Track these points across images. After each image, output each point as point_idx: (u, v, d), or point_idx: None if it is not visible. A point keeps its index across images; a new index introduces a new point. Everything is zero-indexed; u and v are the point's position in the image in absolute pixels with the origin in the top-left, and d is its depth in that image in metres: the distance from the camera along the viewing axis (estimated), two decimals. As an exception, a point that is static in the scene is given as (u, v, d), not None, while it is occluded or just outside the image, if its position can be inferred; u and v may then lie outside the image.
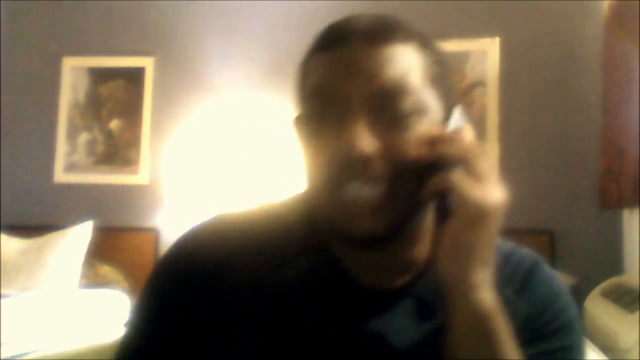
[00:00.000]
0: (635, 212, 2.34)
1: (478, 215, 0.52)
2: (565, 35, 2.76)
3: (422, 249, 0.60)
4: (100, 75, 3.16)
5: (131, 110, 3.12)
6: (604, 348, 1.76)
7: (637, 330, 1.59)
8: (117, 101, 3.14)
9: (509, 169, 2.74)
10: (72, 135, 3.15)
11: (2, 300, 2.13)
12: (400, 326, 0.58)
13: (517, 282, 0.60)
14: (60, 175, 3.13)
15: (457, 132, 0.56)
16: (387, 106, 0.53)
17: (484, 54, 2.81)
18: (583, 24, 2.73)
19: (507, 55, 2.79)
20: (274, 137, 2.77)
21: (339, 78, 0.54)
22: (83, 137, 3.15)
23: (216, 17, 3.06)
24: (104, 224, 2.88)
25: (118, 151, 3.11)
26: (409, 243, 0.59)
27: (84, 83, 3.17)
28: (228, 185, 2.72)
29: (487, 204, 0.52)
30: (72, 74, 3.18)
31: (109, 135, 3.13)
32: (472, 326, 0.51)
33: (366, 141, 0.52)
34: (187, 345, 0.59)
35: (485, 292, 0.52)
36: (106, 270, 2.80)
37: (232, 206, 0.70)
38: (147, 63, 3.11)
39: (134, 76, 3.12)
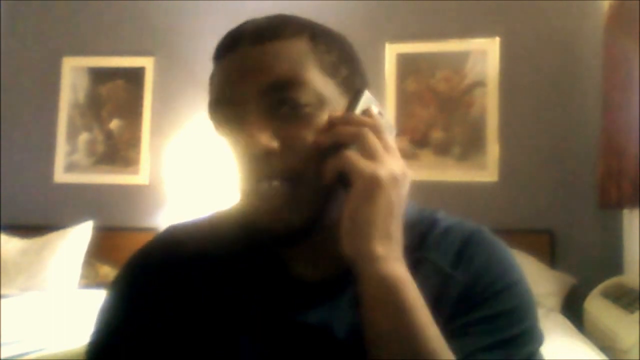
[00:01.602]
0: (635, 212, 2.34)
1: (371, 187, 0.52)
2: (566, 35, 2.76)
3: None
4: (100, 75, 3.16)
5: (131, 110, 3.12)
6: (604, 348, 1.76)
7: (637, 330, 1.59)
8: (117, 101, 3.14)
9: (509, 169, 2.76)
10: (72, 135, 3.15)
11: (2, 300, 2.13)
12: (340, 315, 0.58)
13: (453, 253, 0.60)
14: (60, 175, 3.13)
15: (350, 114, 0.57)
16: (280, 100, 0.55)
17: (484, 54, 2.81)
18: (583, 24, 2.73)
19: (507, 55, 2.79)
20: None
21: (232, 81, 0.57)
22: (83, 137, 3.15)
23: (216, 17, 3.06)
24: (104, 224, 2.88)
25: (118, 151, 3.11)
26: (336, 235, 0.60)
27: (84, 83, 3.17)
28: (228, 185, 2.72)
29: (378, 175, 0.52)
30: (72, 74, 3.18)
31: (109, 135, 3.13)
32: (378, 298, 0.51)
33: (263, 136, 0.54)
34: (146, 336, 0.61)
35: (389, 263, 0.52)
36: (106, 270, 2.80)
37: (193, 218, 0.73)
38: (147, 63, 3.11)
39: (134, 76, 3.12)
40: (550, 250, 2.60)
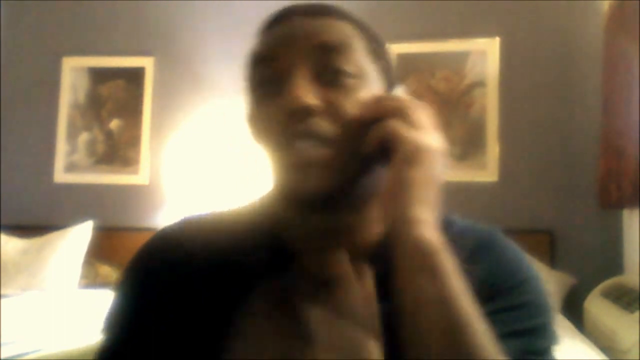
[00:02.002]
0: (635, 212, 2.34)
1: (415, 153, 0.54)
2: (565, 35, 2.76)
3: (374, 232, 0.61)
4: (100, 75, 3.16)
5: (131, 110, 3.12)
6: (604, 348, 1.76)
7: (637, 330, 1.59)
8: (117, 101, 3.14)
9: (509, 169, 2.76)
10: (72, 135, 3.15)
11: (2, 300, 2.13)
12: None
13: (469, 251, 0.60)
14: (60, 175, 3.13)
15: (396, 94, 0.59)
16: (328, 63, 0.56)
17: (484, 54, 2.81)
18: (583, 24, 2.73)
19: (507, 55, 2.79)
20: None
21: (281, 42, 0.58)
22: (83, 137, 3.15)
23: (216, 17, 3.06)
24: (104, 224, 2.88)
25: (118, 151, 3.11)
26: (361, 223, 0.61)
27: (84, 83, 3.17)
28: (228, 185, 2.72)
29: (422, 143, 0.54)
30: (72, 74, 3.18)
31: (109, 135, 3.13)
32: (416, 262, 0.51)
33: (308, 94, 0.55)
34: (157, 332, 0.60)
35: (427, 228, 0.52)
36: (106, 270, 2.80)
37: (232, 206, 0.71)
38: (147, 63, 3.11)
39: (134, 76, 3.12)
40: (550, 250, 2.60)
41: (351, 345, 0.56)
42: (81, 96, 3.17)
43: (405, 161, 0.54)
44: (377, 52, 0.61)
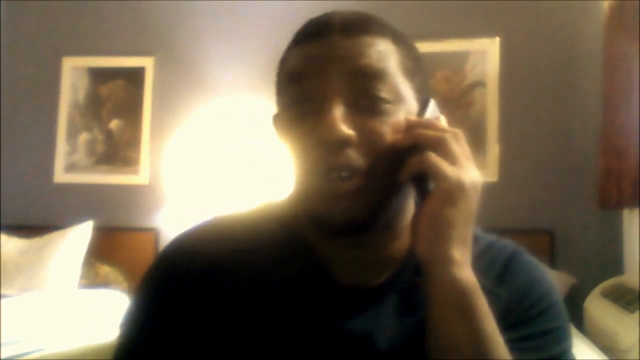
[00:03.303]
0: (635, 212, 2.34)
1: (455, 191, 0.52)
2: (565, 35, 2.76)
3: (400, 246, 0.61)
4: (100, 75, 3.16)
5: (131, 110, 3.12)
6: (604, 348, 1.76)
7: (637, 330, 1.59)
8: (117, 101, 3.14)
9: (509, 169, 2.76)
10: (72, 135, 3.15)
11: (2, 300, 2.13)
12: (383, 323, 0.58)
13: (496, 271, 0.61)
14: (60, 175, 3.13)
15: (431, 120, 0.58)
16: (364, 90, 0.55)
17: (484, 54, 2.81)
18: (583, 24, 2.73)
19: (507, 55, 2.79)
20: (274, 137, 2.77)
21: (317, 64, 0.56)
22: (83, 137, 3.15)
23: (216, 17, 3.06)
24: (104, 224, 2.88)
25: (118, 151, 3.11)
26: (388, 238, 0.60)
27: (84, 83, 3.17)
28: (228, 185, 2.72)
29: (463, 181, 0.53)
30: (72, 74, 3.18)
31: (109, 135, 3.13)
32: (452, 303, 0.52)
33: (343, 124, 0.53)
34: (181, 343, 0.59)
35: (464, 268, 0.52)
36: (106, 270, 2.80)
37: (232, 206, 0.70)
38: (147, 63, 3.11)
39: (134, 76, 3.12)
40: (550, 250, 2.60)
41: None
42: (81, 96, 3.17)
43: (444, 199, 0.53)
44: (413, 68, 0.59)
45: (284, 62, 0.61)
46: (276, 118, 0.64)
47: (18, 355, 1.99)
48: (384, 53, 0.57)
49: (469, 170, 0.54)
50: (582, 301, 2.20)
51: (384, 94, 0.55)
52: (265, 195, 2.65)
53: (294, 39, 0.60)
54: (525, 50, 2.80)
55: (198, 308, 0.59)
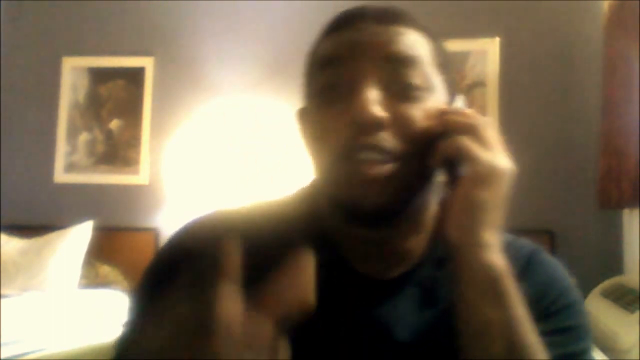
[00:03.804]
0: (635, 212, 2.34)
1: (488, 175, 0.52)
2: (565, 35, 2.76)
3: (422, 240, 0.61)
4: (100, 75, 3.16)
5: (131, 110, 3.12)
6: (604, 348, 1.75)
7: (637, 330, 1.59)
8: (117, 101, 3.14)
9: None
10: (72, 135, 3.15)
11: (2, 300, 2.13)
12: (403, 314, 0.58)
13: (517, 269, 0.59)
14: (60, 175, 3.13)
15: (463, 108, 0.58)
16: (396, 76, 0.55)
17: (484, 54, 2.81)
18: (583, 24, 2.73)
19: (507, 55, 2.79)
20: (274, 136, 2.77)
21: (350, 49, 0.56)
22: (83, 137, 3.15)
23: (216, 17, 3.06)
24: (104, 224, 2.88)
25: (118, 151, 3.11)
26: (411, 231, 0.60)
27: (84, 83, 3.17)
28: (228, 185, 2.72)
29: (496, 164, 0.53)
30: (72, 74, 3.18)
31: (109, 135, 3.13)
32: (484, 287, 0.51)
33: (378, 106, 0.53)
34: None
35: (495, 252, 0.52)
36: (106, 270, 2.80)
37: (232, 206, 0.70)
38: (147, 63, 3.11)
39: (134, 76, 3.12)
40: (550, 250, 2.57)
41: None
42: (81, 96, 3.17)
43: (477, 182, 0.53)
44: (443, 63, 0.60)
45: (314, 52, 0.61)
46: (301, 112, 0.63)
47: (18, 355, 1.99)
48: (417, 42, 0.57)
49: (501, 156, 0.54)
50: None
51: (416, 80, 0.56)
52: (265, 195, 2.64)
53: (326, 29, 0.60)
54: (525, 50, 2.79)
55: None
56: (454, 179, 0.55)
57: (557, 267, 0.64)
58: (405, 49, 0.56)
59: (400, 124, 0.54)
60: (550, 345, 0.56)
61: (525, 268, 0.61)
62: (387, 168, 0.54)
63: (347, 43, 0.56)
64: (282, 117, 2.76)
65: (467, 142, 0.53)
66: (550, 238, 2.62)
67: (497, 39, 2.81)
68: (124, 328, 0.61)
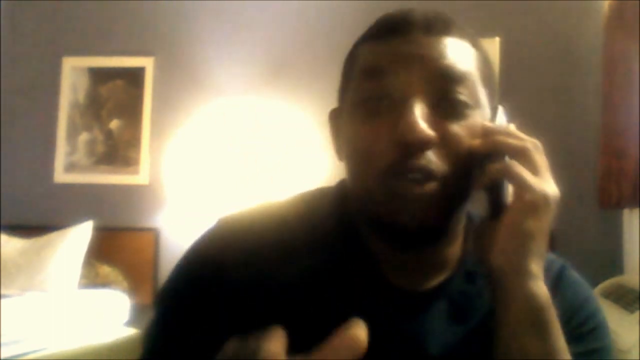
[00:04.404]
0: (635, 212, 2.34)
1: (538, 203, 0.51)
2: (565, 35, 2.76)
3: (454, 251, 0.60)
4: (100, 75, 3.16)
5: (131, 110, 3.12)
6: (604, 348, 1.75)
7: (637, 330, 1.59)
8: (117, 101, 3.14)
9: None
10: (72, 135, 3.15)
11: (2, 300, 2.13)
12: (432, 328, 0.57)
13: (547, 286, 0.59)
14: (60, 175, 3.13)
15: (510, 127, 0.57)
16: (445, 92, 0.53)
17: (484, 54, 2.81)
18: (583, 24, 2.73)
19: (507, 55, 2.79)
20: (274, 137, 2.77)
21: (398, 61, 0.54)
22: (83, 137, 3.15)
23: (216, 17, 3.06)
24: (104, 224, 2.87)
25: (118, 151, 3.11)
26: (444, 244, 0.59)
27: (84, 83, 3.17)
28: (228, 186, 2.72)
29: (547, 192, 0.52)
30: (72, 74, 3.18)
31: (109, 135, 3.13)
32: (527, 317, 0.50)
33: (426, 125, 0.51)
34: (211, 351, 0.57)
35: (540, 283, 0.51)
36: (106, 270, 2.80)
37: (232, 207, 0.69)
38: (147, 63, 3.11)
39: (134, 76, 3.12)
40: (550, 250, 2.58)
41: None
42: (81, 96, 3.17)
43: (528, 210, 0.51)
44: (489, 76, 0.58)
45: (355, 56, 0.58)
46: (337, 114, 0.61)
47: (18, 355, 1.99)
48: (466, 56, 0.55)
49: (550, 182, 0.53)
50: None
51: (464, 97, 0.54)
52: (265, 195, 2.65)
53: (369, 34, 0.58)
54: (525, 50, 2.79)
55: (244, 314, 0.55)
56: (496, 201, 0.54)
57: (586, 287, 0.64)
58: (456, 64, 0.54)
59: (447, 143, 0.53)
60: None
61: (555, 286, 0.59)
62: (431, 188, 0.52)
63: (395, 55, 0.54)
64: (283, 118, 2.76)
65: (518, 168, 0.52)
66: (550, 238, 2.60)
67: (497, 39, 2.81)
68: (145, 343, 0.59)
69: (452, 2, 2.85)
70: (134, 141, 3.09)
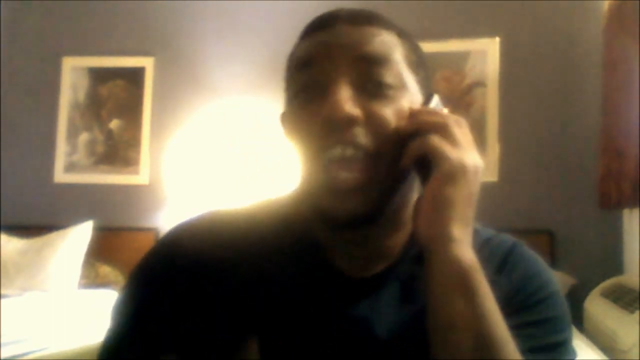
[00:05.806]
0: (635, 212, 2.34)
1: (456, 172, 0.53)
2: (565, 35, 2.76)
3: (402, 237, 0.62)
4: (100, 75, 3.16)
5: (131, 110, 3.12)
6: (604, 348, 1.76)
7: (637, 330, 1.59)
8: (117, 101, 3.14)
9: (509, 169, 2.76)
10: (72, 135, 3.15)
11: (2, 300, 2.13)
12: (383, 311, 0.59)
13: (495, 262, 0.61)
14: (60, 175, 3.13)
15: (435, 108, 0.60)
16: (369, 75, 0.56)
17: (484, 54, 2.81)
18: (583, 24, 2.73)
19: (507, 55, 2.79)
20: (274, 137, 2.77)
21: (323, 50, 0.58)
22: (83, 137, 3.15)
23: (216, 17, 3.06)
24: (104, 224, 2.88)
25: (118, 151, 3.11)
26: (391, 230, 0.61)
27: (84, 83, 3.17)
28: (228, 186, 2.72)
29: (464, 161, 0.54)
30: (72, 74, 3.18)
31: (109, 135, 3.13)
32: (453, 280, 0.52)
33: (349, 104, 0.54)
34: (178, 337, 0.60)
35: (464, 247, 0.53)
36: (106, 270, 2.80)
37: (232, 206, 0.70)
38: (147, 63, 3.11)
39: (134, 76, 3.12)
40: (550, 250, 2.60)
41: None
42: (81, 96, 3.17)
43: (446, 179, 0.53)
44: (417, 63, 0.61)
45: (291, 55, 0.62)
46: (283, 115, 0.64)
47: (18, 355, 1.99)
48: (389, 43, 0.58)
49: (470, 153, 0.55)
50: (582, 301, 2.20)
51: (388, 79, 0.57)
52: (265, 195, 2.64)
53: (302, 33, 0.62)
54: (525, 50, 2.80)
55: (198, 301, 0.59)
56: (426, 178, 0.56)
57: (537, 260, 0.64)
58: (377, 48, 0.57)
59: (372, 121, 0.55)
60: (530, 336, 0.56)
61: (504, 262, 0.61)
62: (359, 163, 0.55)
63: (320, 45, 0.58)
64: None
65: (435, 141, 0.54)
66: (550, 238, 2.63)
67: (497, 39, 2.81)
68: (108, 332, 0.64)
69: (452, 2, 2.86)
70: (134, 141, 3.09)
